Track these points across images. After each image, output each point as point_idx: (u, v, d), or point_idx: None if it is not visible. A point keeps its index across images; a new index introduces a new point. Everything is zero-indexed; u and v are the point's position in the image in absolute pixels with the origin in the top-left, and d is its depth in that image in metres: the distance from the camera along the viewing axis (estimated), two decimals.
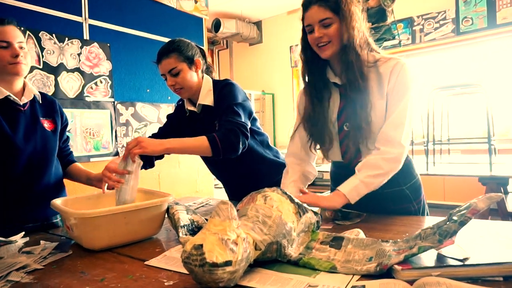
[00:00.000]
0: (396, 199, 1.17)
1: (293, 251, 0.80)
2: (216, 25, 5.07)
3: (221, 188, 1.81)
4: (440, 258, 0.69)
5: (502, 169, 2.62)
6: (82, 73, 2.47)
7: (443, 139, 3.45)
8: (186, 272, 0.69)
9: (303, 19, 1.15)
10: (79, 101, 2.45)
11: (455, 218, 0.69)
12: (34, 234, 1.13)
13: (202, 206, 1.47)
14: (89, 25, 2.52)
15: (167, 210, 1.04)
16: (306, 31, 1.14)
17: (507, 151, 3.74)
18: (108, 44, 2.63)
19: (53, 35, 2.31)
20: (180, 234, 0.90)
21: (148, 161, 1.39)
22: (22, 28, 1.24)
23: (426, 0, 4.25)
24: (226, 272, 0.62)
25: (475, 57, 4.23)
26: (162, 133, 1.51)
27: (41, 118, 1.29)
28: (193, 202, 1.56)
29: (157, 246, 0.97)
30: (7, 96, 1.20)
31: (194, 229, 0.95)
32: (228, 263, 0.62)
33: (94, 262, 0.86)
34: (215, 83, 1.45)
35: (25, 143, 1.21)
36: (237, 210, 0.83)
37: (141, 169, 1.16)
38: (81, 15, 2.48)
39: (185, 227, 0.93)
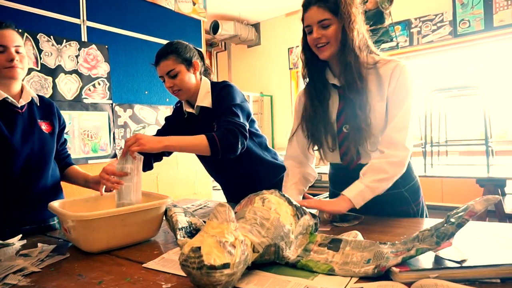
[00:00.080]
0: (395, 201, 1.17)
1: (291, 253, 0.80)
2: (215, 27, 5.08)
3: (219, 190, 1.81)
4: (438, 260, 0.70)
5: (500, 170, 2.63)
6: (80, 75, 2.46)
7: (440, 140, 3.46)
8: (184, 274, 0.69)
9: (303, 20, 1.15)
10: (77, 103, 2.45)
11: (452, 220, 0.69)
12: (32, 236, 1.13)
13: (200, 208, 1.47)
14: (87, 27, 2.52)
15: (165, 212, 1.04)
16: (306, 31, 1.15)
17: (505, 153, 3.76)
18: (106, 46, 2.63)
19: (51, 37, 2.31)
20: (178, 237, 0.90)
21: (147, 163, 1.39)
22: (20, 30, 1.24)
23: (423, 2, 4.27)
24: (224, 274, 0.62)
25: (473, 59, 4.25)
26: (160, 136, 1.51)
27: (39, 120, 1.29)
28: (191, 204, 1.56)
29: (155, 248, 0.97)
30: (4, 98, 1.20)
31: (192, 232, 0.95)
32: (226, 265, 0.62)
33: (92, 264, 0.86)
34: (213, 85, 1.46)
35: (22, 144, 1.21)
36: (235, 213, 0.83)
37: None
38: (79, 17, 2.48)
39: (183, 230, 0.93)
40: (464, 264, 0.66)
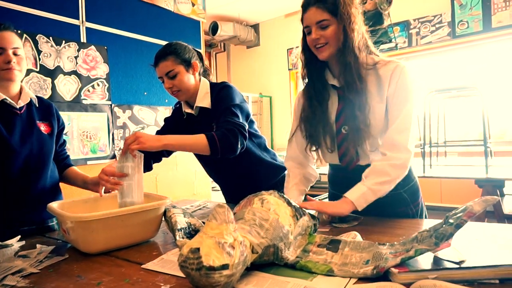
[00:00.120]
0: (394, 202, 1.17)
1: (290, 254, 0.80)
2: (214, 28, 5.09)
3: (218, 190, 1.81)
4: (437, 261, 0.70)
5: (498, 171, 2.64)
6: (79, 76, 2.46)
7: (439, 141, 3.47)
8: (183, 275, 0.69)
9: (302, 21, 1.15)
10: (76, 104, 2.45)
11: (451, 221, 0.69)
12: (30, 237, 1.13)
13: (199, 209, 1.47)
14: (86, 28, 2.52)
15: (164, 213, 1.04)
16: (305, 32, 1.15)
17: (503, 154, 3.76)
18: (105, 47, 2.63)
19: (50, 38, 2.31)
20: (177, 237, 0.90)
21: (146, 164, 1.39)
22: (19, 31, 1.24)
23: (422, 3, 4.28)
24: (223, 275, 0.62)
25: (471, 60, 4.26)
26: None
27: (38, 122, 1.30)
28: (190, 205, 1.56)
29: (154, 249, 0.96)
30: (3, 99, 1.20)
31: (191, 232, 0.95)
32: (225, 266, 0.62)
33: (91, 265, 0.86)
34: (213, 85, 1.46)
35: (21, 145, 1.21)
36: (234, 213, 0.83)
37: None
38: (78, 18, 2.48)
39: (182, 230, 0.93)
40: (463, 265, 0.66)
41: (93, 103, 2.55)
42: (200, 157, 1.54)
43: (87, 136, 2.51)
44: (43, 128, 1.30)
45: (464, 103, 4.06)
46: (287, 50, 5.40)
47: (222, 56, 6.15)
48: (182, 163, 3.14)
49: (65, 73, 2.38)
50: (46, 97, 2.23)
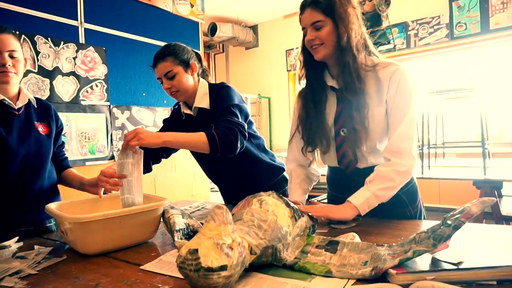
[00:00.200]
0: (392, 204, 1.16)
1: (288, 255, 0.80)
2: (212, 29, 5.09)
3: (217, 191, 1.81)
4: (435, 262, 0.70)
5: (496, 172, 2.64)
6: (77, 77, 2.46)
7: (438, 142, 3.47)
8: (181, 276, 0.69)
9: (300, 22, 1.16)
10: (75, 105, 2.45)
11: (449, 222, 0.69)
12: (28, 239, 1.12)
13: (198, 210, 1.47)
14: (85, 29, 2.52)
15: (163, 214, 1.04)
16: (304, 33, 1.15)
17: (501, 155, 3.77)
18: (104, 48, 2.63)
19: (49, 39, 2.31)
20: (176, 239, 0.90)
21: (146, 165, 1.39)
22: (18, 32, 1.24)
23: (420, 5, 4.30)
24: (221, 276, 0.62)
25: (469, 61, 4.27)
26: None
27: (36, 122, 1.29)
28: (189, 206, 1.56)
29: (153, 250, 0.96)
30: (1, 100, 1.20)
31: (190, 233, 0.95)
32: (223, 267, 0.62)
33: (89, 267, 0.86)
34: (211, 86, 1.46)
35: (19, 145, 1.21)
36: (233, 215, 0.83)
37: None
38: (76, 19, 2.48)
39: (181, 231, 0.93)
40: (461, 266, 0.66)
41: (92, 104, 2.55)
42: (199, 157, 1.54)
43: (85, 137, 2.51)
44: (41, 129, 1.30)
45: (462, 105, 4.07)
46: (286, 51, 5.40)
47: (220, 57, 6.15)
48: (180, 164, 3.14)
49: (63, 74, 2.38)
50: (44, 98, 2.23)
